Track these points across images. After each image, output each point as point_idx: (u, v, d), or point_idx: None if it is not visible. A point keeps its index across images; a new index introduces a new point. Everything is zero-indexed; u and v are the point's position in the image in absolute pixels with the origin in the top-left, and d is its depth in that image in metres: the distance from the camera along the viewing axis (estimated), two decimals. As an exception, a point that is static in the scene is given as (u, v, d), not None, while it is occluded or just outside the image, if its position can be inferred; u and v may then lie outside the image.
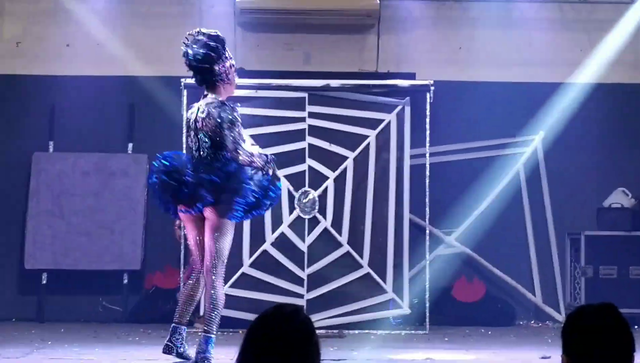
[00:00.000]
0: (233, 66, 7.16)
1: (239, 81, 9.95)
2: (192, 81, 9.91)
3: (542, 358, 7.46)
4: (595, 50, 11.12)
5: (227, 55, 7.02)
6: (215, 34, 7.01)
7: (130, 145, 10.83)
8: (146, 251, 10.58)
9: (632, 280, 10.40)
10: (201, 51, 6.86)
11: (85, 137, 10.79)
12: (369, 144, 9.92)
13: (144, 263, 10.59)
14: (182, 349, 6.78)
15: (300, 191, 9.76)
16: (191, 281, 6.88)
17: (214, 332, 6.59)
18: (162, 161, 6.79)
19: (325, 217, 9.77)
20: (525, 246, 10.91)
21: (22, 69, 10.91)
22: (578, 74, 11.07)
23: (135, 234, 10.54)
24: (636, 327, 9.60)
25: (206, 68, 6.92)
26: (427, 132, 9.90)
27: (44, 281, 10.51)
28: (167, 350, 6.77)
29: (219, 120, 6.72)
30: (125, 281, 10.56)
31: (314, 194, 9.77)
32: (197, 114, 6.85)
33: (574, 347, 2.72)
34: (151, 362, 7.20)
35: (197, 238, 6.80)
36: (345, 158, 9.88)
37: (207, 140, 6.74)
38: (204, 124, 6.75)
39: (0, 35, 11.00)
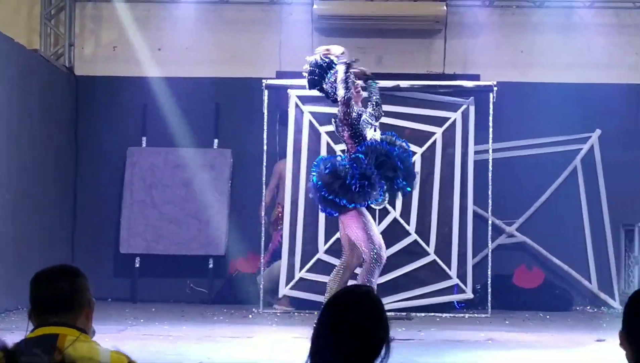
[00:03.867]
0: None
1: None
2: (272, 81, 10.10)
3: (598, 340, 7.39)
4: (650, 53, 11.01)
5: (329, 76, 7.54)
6: (313, 61, 7.62)
7: (215, 141, 10.92)
8: (230, 239, 10.65)
9: (683, 269, 10.28)
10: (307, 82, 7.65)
11: (175, 133, 10.87)
12: (435, 140, 9.89)
13: (228, 249, 10.68)
14: None
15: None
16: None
17: None
18: None
19: (394, 208, 9.76)
20: (582, 236, 10.80)
21: (117, 71, 11.05)
22: (634, 76, 10.94)
23: (220, 222, 10.62)
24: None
25: (318, 90, 7.67)
26: (490, 129, 9.85)
27: (137, 265, 10.64)
28: None
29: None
30: (211, 265, 10.67)
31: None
32: None
33: (633, 324, 2.71)
34: (234, 339, 7.28)
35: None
36: (413, 153, 9.87)
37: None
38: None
39: (98, 41, 11.18)
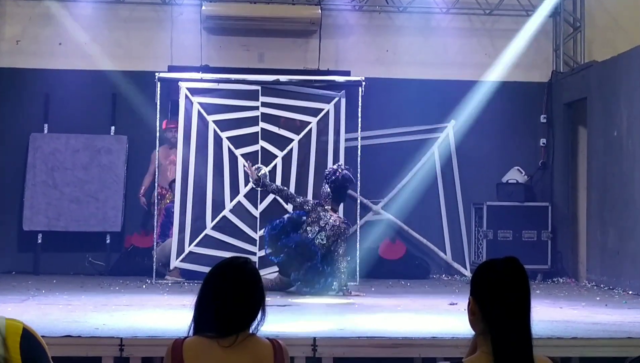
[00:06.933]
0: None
1: (205, 75, 10.01)
2: (164, 75, 9.93)
3: (451, 304, 7.53)
4: (498, 54, 11.21)
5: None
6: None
7: (112, 128, 10.71)
8: (125, 216, 10.49)
9: (524, 242, 10.54)
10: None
11: (75, 120, 10.63)
12: (311, 129, 9.91)
13: (124, 226, 10.50)
14: None
15: (254, 167, 9.71)
16: None
17: None
18: None
19: (274, 189, 9.73)
20: (438, 214, 10.99)
21: (21, 63, 10.71)
22: (483, 74, 11.14)
23: (117, 201, 10.45)
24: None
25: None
26: (359, 119, 9.91)
27: (40, 241, 10.37)
28: None
29: None
30: (108, 241, 10.47)
31: (265, 169, 9.72)
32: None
33: (482, 291, 2.73)
34: (128, 307, 7.15)
35: None
36: (291, 140, 9.86)
37: None
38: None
39: (2, 35, 10.81)
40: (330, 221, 8.50)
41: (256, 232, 9.60)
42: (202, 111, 9.74)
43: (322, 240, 8.39)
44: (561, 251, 10.79)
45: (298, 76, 10.25)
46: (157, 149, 9.82)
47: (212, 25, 10.85)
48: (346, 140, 10.02)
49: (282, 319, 6.15)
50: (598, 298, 8.52)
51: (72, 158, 10.47)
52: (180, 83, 9.78)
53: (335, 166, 8.81)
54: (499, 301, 2.67)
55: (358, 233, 9.84)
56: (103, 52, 10.71)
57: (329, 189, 8.61)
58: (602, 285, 9.70)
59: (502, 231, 10.57)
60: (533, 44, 11.27)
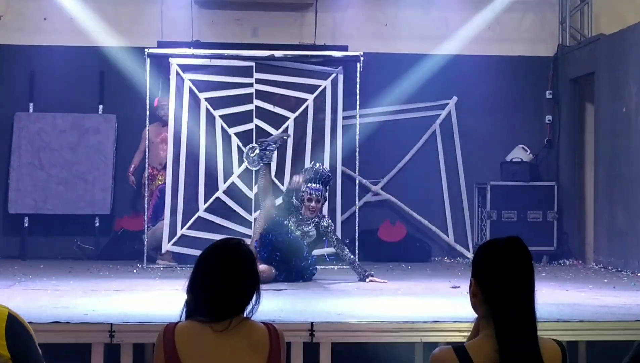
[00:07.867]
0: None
1: (197, 51, 9.98)
2: (154, 50, 9.90)
3: (453, 287, 7.54)
4: (501, 28, 11.18)
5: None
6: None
7: (100, 106, 10.68)
8: (115, 198, 10.48)
9: (529, 222, 10.54)
10: None
11: (61, 99, 10.60)
12: (307, 106, 9.90)
13: (113, 208, 10.49)
14: None
15: (248, 146, 9.70)
16: None
17: None
18: None
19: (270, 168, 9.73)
20: (440, 194, 10.99)
21: (4, 40, 10.65)
22: (486, 48, 11.12)
23: (106, 183, 10.43)
24: (533, 261, 9.71)
25: None
26: (357, 96, 9.89)
27: (26, 224, 10.36)
28: None
29: None
30: (97, 224, 10.46)
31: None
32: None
33: (483, 269, 2.74)
34: (118, 292, 7.16)
35: None
36: (286, 118, 9.85)
37: None
38: None
39: (-16, 10, 10.78)
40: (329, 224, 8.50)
41: (251, 214, 9.59)
42: (193, 88, 9.72)
43: (310, 238, 8.36)
44: (567, 232, 10.80)
45: (293, 51, 10.22)
46: (147, 127, 9.83)
47: (203, -1, 10.80)
48: (344, 118, 10.01)
49: (279, 303, 6.16)
50: (606, 280, 8.53)
51: (58, 138, 10.44)
52: (170, 59, 9.75)
53: (328, 171, 8.67)
54: (499, 276, 2.69)
55: (357, 214, 9.85)
56: (90, 28, 10.65)
57: (327, 195, 8.60)
58: (609, 267, 9.72)
59: (506, 212, 10.57)
60: (539, 17, 11.24)
